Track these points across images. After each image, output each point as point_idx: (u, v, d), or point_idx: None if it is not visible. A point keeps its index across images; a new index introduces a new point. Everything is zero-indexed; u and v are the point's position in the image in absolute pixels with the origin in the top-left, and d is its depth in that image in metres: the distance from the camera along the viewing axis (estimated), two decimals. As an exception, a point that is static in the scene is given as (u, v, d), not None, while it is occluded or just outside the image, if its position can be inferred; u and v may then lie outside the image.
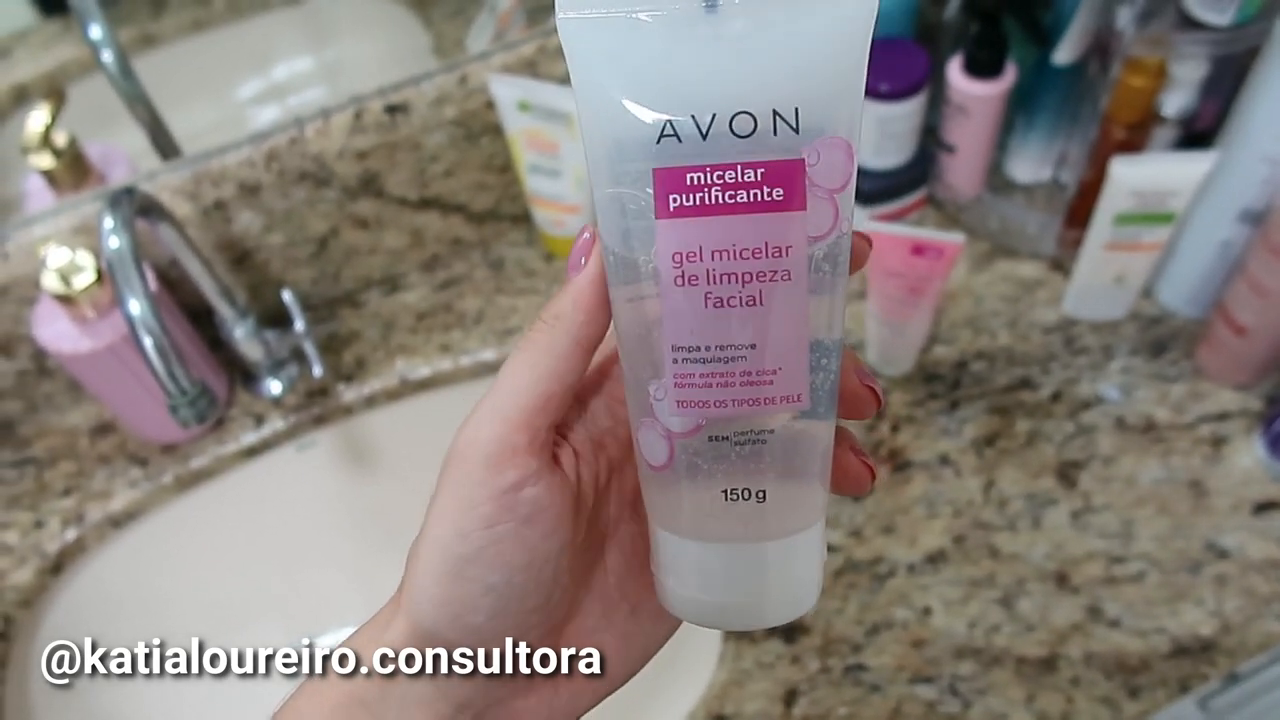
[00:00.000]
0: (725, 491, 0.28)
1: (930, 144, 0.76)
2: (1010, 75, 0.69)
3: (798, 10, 0.25)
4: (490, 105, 0.73)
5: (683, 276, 0.26)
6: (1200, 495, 0.64)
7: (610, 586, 0.31)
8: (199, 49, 0.80)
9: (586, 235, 0.27)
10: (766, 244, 0.25)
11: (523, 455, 0.26)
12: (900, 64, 0.69)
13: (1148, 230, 0.64)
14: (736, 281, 0.26)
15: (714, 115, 0.25)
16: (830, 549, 0.64)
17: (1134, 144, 0.66)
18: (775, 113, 0.25)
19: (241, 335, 0.71)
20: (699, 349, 0.26)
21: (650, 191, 0.25)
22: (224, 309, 0.69)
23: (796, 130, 0.25)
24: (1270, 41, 0.56)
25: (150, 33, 0.78)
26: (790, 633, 0.62)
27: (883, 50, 0.70)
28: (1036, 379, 0.70)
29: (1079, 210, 0.70)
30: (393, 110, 0.71)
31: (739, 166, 0.25)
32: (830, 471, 0.28)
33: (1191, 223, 0.65)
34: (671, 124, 0.25)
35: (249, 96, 0.87)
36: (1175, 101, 0.65)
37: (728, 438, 0.27)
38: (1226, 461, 0.65)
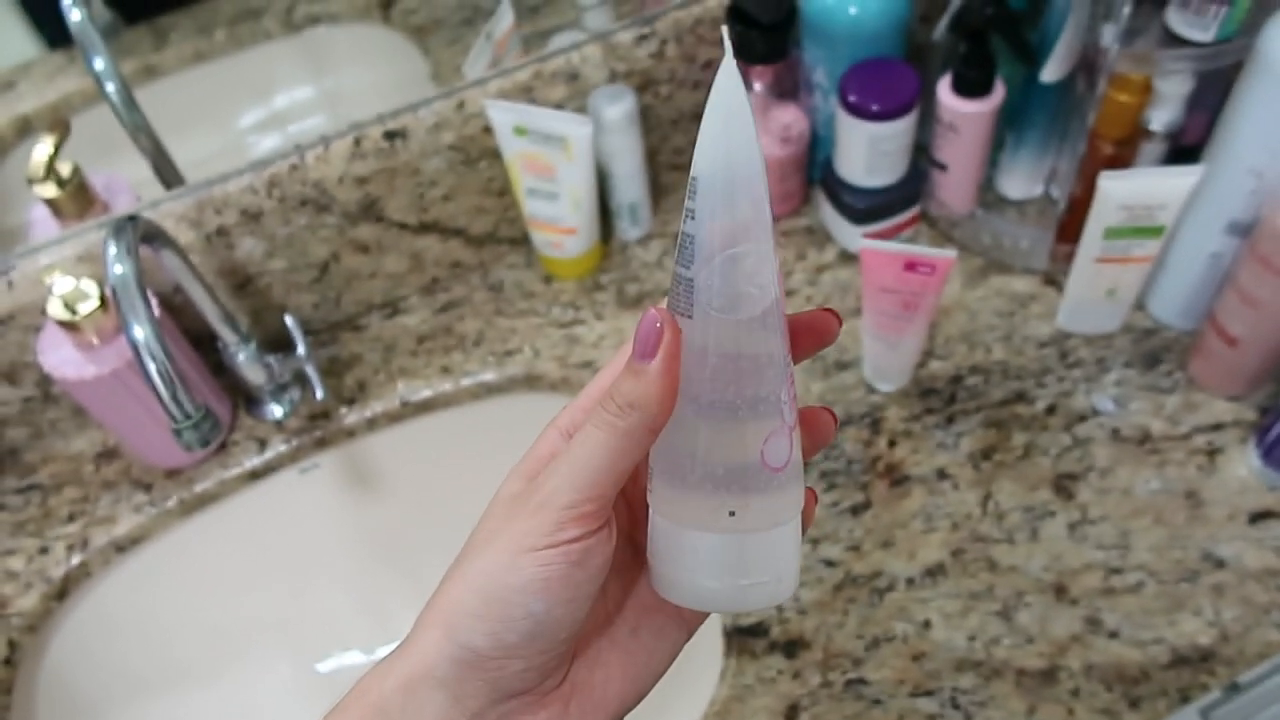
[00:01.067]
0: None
1: (922, 162, 0.77)
2: (999, 93, 0.70)
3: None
4: (488, 130, 0.74)
5: None
6: (1196, 505, 0.64)
7: (610, 609, 0.33)
8: (200, 79, 0.82)
9: (656, 322, 0.28)
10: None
11: (589, 519, 0.29)
12: (891, 84, 0.70)
13: (1138, 243, 0.65)
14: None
15: None
16: (829, 563, 0.65)
17: (1122, 159, 0.67)
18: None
19: (244, 360, 0.72)
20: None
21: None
22: (227, 334, 0.70)
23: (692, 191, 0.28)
24: (1252, 56, 0.57)
25: (152, 64, 0.79)
26: (791, 647, 0.62)
27: (874, 71, 0.71)
28: (1032, 392, 0.71)
29: (1070, 225, 0.71)
30: (392, 136, 0.72)
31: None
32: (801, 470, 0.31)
33: (1181, 236, 0.66)
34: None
35: (250, 125, 0.89)
36: (1161, 116, 0.66)
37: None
38: (1222, 472, 0.66)
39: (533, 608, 0.29)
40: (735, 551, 0.31)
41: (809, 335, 0.31)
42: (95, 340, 0.65)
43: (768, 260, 0.28)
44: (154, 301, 0.68)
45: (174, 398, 0.55)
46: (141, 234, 0.59)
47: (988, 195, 0.80)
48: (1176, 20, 0.60)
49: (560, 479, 0.29)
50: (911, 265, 0.62)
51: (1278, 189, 0.58)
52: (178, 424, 0.56)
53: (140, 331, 0.55)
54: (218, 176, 0.70)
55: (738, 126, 0.27)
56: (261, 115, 0.89)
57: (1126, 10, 0.59)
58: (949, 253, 0.61)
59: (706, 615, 0.34)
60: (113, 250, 0.56)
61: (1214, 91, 0.64)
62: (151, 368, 0.55)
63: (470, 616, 0.29)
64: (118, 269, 0.56)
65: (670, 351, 0.28)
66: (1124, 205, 0.62)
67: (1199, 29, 0.59)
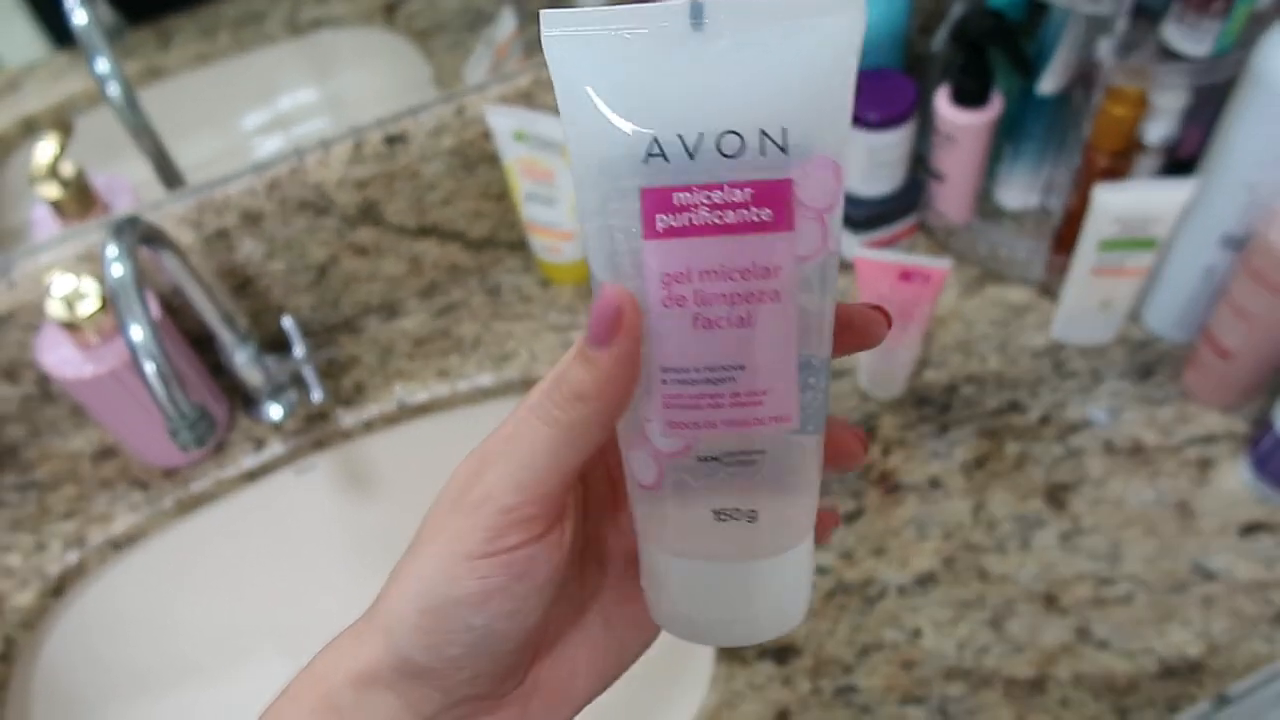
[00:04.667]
0: (716, 511, 0.28)
1: (920, 172, 0.77)
2: (997, 105, 0.70)
3: (785, 30, 0.24)
4: (487, 135, 0.75)
5: (671, 297, 0.25)
6: (1187, 517, 0.65)
7: (585, 600, 0.31)
8: (205, 81, 0.82)
9: (613, 305, 0.25)
10: (754, 264, 0.25)
11: (532, 523, 0.26)
12: (888, 93, 0.71)
13: (1131, 256, 0.65)
14: (725, 302, 0.25)
15: (701, 134, 0.24)
16: (821, 570, 0.65)
17: (1117, 171, 0.68)
18: (763, 132, 0.24)
19: (242, 361, 0.72)
20: (688, 370, 0.26)
21: (638, 212, 0.25)
22: (225, 335, 0.70)
23: (784, 150, 0.24)
24: (1247, 71, 0.58)
25: (157, 65, 0.80)
26: (781, 654, 0.62)
27: (871, 80, 0.71)
28: (1025, 402, 0.71)
29: (1065, 236, 0.72)
30: (391, 140, 0.72)
31: (726, 186, 0.25)
32: (818, 487, 0.29)
33: (1175, 249, 0.67)
34: (658, 143, 0.25)
35: (253, 128, 0.89)
36: (1157, 130, 0.67)
37: (717, 458, 0.27)
38: (1213, 483, 0.66)
39: (472, 621, 0.26)
40: (738, 579, 0.28)
41: (849, 334, 0.27)
42: (94, 340, 0.65)
43: None
44: (153, 302, 0.68)
45: (170, 398, 0.56)
46: (141, 235, 0.60)
47: (985, 205, 0.80)
48: (1173, 34, 0.60)
49: (498, 476, 0.26)
50: (906, 275, 0.63)
51: (1271, 203, 0.59)
52: (173, 423, 0.57)
53: (138, 332, 0.55)
54: (219, 178, 0.71)
55: None
56: (264, 118, 0.89)
57: (1122, 24, 0.59)
58: (943, 263, 0.61)
59: None
60: (112, 251, 0.56)
61: (1210, 106, 0.64)
62: (148, 368, 0.55)
63: (408, 628, 0.27)
64: (116, 270, 0.56)
65: (630, 335, 0.25)
66: (1118, 218, 0.63)
67: (1194, 43, 0.59)
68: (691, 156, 0.25)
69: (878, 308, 0.28)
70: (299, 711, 0.28)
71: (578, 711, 0.31)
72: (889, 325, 0.28)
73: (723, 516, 0.28)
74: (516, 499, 0.26)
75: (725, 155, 0.25)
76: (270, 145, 0.87)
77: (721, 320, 0.26)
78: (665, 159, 0.25)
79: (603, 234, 0.26)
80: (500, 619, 0.26)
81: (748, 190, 0.25)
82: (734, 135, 0.25)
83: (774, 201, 0.25)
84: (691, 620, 0.29)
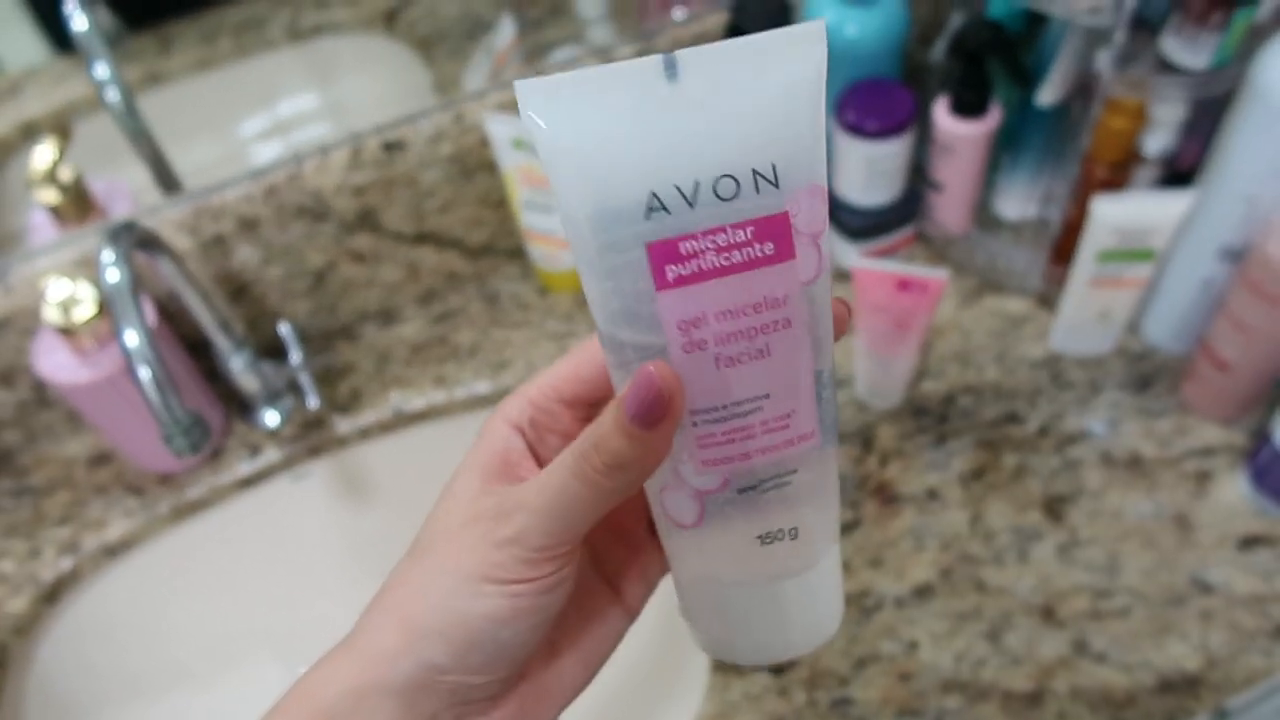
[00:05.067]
0: (760, 536, 0.29)
1: (918, 182, 0.77)
2: (995, 115, 0.70)
3: (755, 70, 0.26)
4: (485, 143, 0.75)
5: (690, 343, 0.26)
6: (1186, 530, 0.64)
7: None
8: (205, 87, 0.82)
9: (662, 394, 0.25)
10: (765, 297, 0.26)
11: (564, 557, 0.28)
12: (887, 104, 0.71)
13: (1130, 267, 0.65)
14: (744, 338, 0.26)
15: (698, 182, 0.25)
16: (818, 582, 0.65)
17: (1116, 183, 0.68)
18: (755, 172, 0.25)
19: (239, 367, 0.72)
20: (716, 409, 0.27)
21: (645, 266, 0.26)
22: (221, 341, 0.70)
23: (777, 185, 0.26)
24: (1246, 83, 0.58)
25: (158, 70, 0.80)
26: (777, 665, 0.62)
27: (870, 91, 0.71)
28: (1023, 413, 0.71)
29: (1064, 247, 0.71)
30: (390, 147, 0.72)
31: (730, 228, 0.26)
32: (839, 491, 0.30)
33: (1173, 260, 0.66)
34: (657, 196, 0.25)
35: (252, 134, 0.89)
36: (1156, 142, 0.67)
37: (754, 486, 0.28)
38: (1212, 496, 0.66)
39: (500, 635, 0.28)
40: (785, 596, 0.30)
41: None
42: (90, 345, 0.65)
43: None
44: (150, 308, 0.68)
45: (165, 404, 0.56)
46: (137, 240, 0.59)
47: (983, 216, 0.80)
48: (1171, 47, 0.60)
49: (533, 519, 0.27)
50: (904, 284, 0.62)
51: (1269, 216, 0.59)
52: (168, 429, 0.56)
53: (133, 338, 0.55)
54: (216, 184, 0.71)
55: None
56: (265, 124, 0.89)
57: (1121, 36, 0.59)
58: (941, 273, 0.61)
59: (645, 599, 0.33)
60: (108, 256, 0.56)
61: (1209, 118, 0.64)
62: (143, 374, 0.55)
63: (433, 636, 0.28)
64: (112, 275, 0.56)
65: (676, 418, 0.26)
66: (1117, 229, 0.63)
67: (1193, 56, 0.59)
68: (691, 205, 0.25)
69: (839, 300, 0.28)
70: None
71: (568, 704, 0.32)
72: (850, 313, 0.29)
73: (767, 540, 0.29)
74: (550, 541, 0.28)
75: (723, 199, 0.25)
76: (269, 151, 0.87)
77: (742, 356, 0.27)
78: (666, 211, 0.25)
79: (607, 293, 0.26)
80: (526, 630, 0.28)
81: (749, 229, 0.26)
82: (729, 179, 0.25)
83: (775, 235, 0.26)
84: (739, 644, 0.31)
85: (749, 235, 0.26)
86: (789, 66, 0.26)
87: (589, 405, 0.32)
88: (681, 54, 0.25)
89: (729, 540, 0.29)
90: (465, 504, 0.29)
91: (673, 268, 0.26)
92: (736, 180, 0.25)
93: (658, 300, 0.26)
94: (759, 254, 0.26)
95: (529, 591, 0.28)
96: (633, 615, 0.33)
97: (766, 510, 0.28)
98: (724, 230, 0.26)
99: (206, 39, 0.86)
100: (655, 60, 0.25)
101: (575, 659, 0.32)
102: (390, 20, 0.90)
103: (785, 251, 0.26)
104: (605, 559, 0.33)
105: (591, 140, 0.25)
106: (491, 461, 0.30)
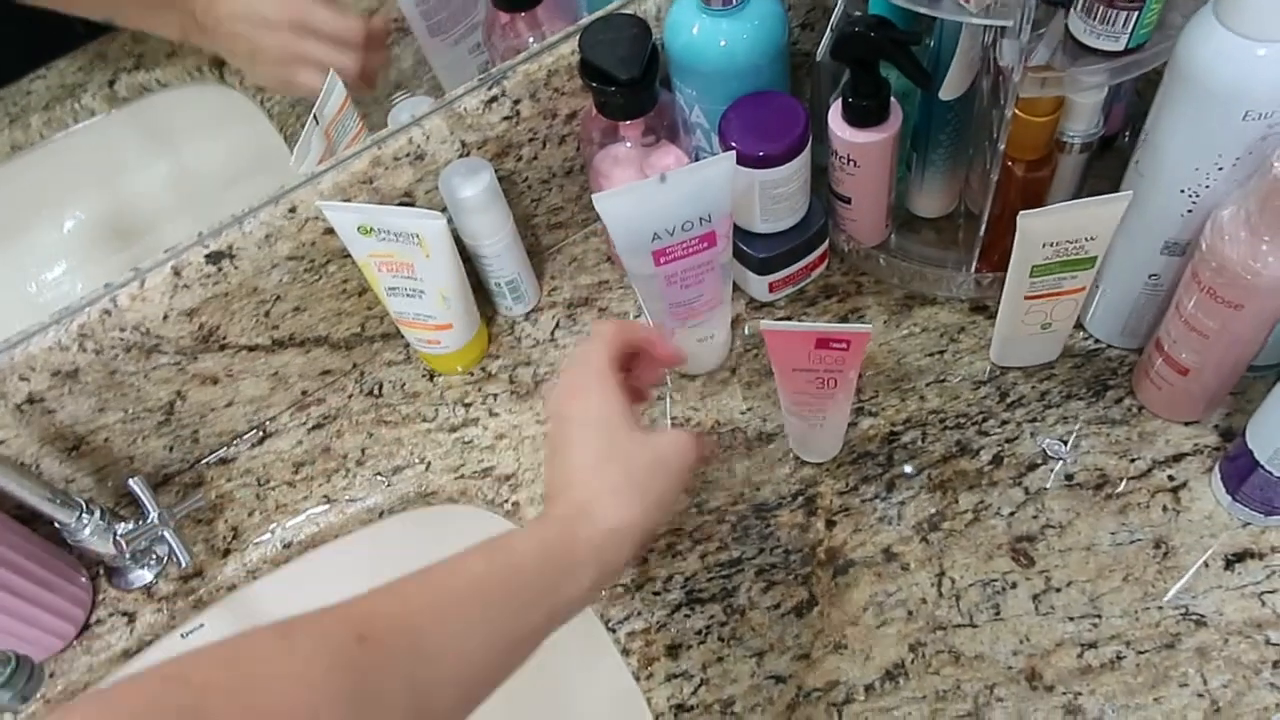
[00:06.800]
0: (699, 340, 0.67)
1: (823, 191, 0.69)
2: (896, 118, 0.62)
3: (700, 176, 0.56)
4: (331, 230, 0.65)
5: (667, 278, 0.61)
6: (1166, 555, 0.58)
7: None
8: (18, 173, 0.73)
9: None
10: (703, 263, 0.61)
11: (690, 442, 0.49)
12: (775, 123, 0.62)
13: (1069, 277, 0.58)
14: (692, 275, 0.61)
15: (674, 226, 0.58)
16: (777, 680, 0.58)
17: (1041, 179, 0.60)
18: (700, 218, 0.58)
19: (89, 535, 0.62)
20: (681, 303, 0.63)
21: (650, 259, 0.59)
22: (59, 514, 0.60)
23: (710, 220, 0.58)
24: (1172, 65, 0.50)
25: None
26: (747, 789, 0.55)
27: (755, 108, 0.63)
28: (974, 443, 0.64)
29: (993, 247, 0.64)
30: (217, 258, 0.62)
31: (695, 239, 0.59)
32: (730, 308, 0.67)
33: (1115, 257, 0.59)
34: (657, 234, 0.58)
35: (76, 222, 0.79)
36: (1078, 127, 0.59)
37: (697, 325, 0.66)
38: (1189, 510, 0.60)
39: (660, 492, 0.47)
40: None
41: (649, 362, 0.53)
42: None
43: None
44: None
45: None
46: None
47: (900, 214, 0.72)
48: (1083, 31, 0.52)
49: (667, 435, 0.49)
50: (823, 342, 0.55)
51: (1212, 211, 0.52)
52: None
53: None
54: (17, 336, 0.60)
55: None
56: (95, 208, 0.79)
57: (1026, 35, 0.51)
58: (864, 327, 0.53)
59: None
60: None
61: (1130, 82, 0.57)
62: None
63: (614, 506, 0.45)
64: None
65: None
66: (1048, 243, 0.55)
67: (1108, 39, 0.52)
68: (672, 234, 0.58)
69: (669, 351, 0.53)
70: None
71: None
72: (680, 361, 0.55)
73: (701, 340, 0.67)
74: (683, 452, 0.49)
75: (685, 231, 0.58)
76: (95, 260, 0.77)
77: (691, 282, 0.62)
78: (661, 239, 0.58)
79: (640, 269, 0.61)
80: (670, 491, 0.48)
81: (701, 240, 0.59)
82: (689, 221, 0.58)
83: (710, 239, 0.59)
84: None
85: (698, 242, 0.59)
86: (712, 170, 0.56)
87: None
88: (668, 174, 0.55)
89: (683, 342, 0.65)
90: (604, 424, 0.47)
91: (663, 257, 0.59)
92: (692, 221, 0.58)
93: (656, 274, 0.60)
94: (704, 247, 0.60)
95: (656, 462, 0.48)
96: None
97: (699, 330, 0.65)
98: (692, 241, 0.59)
99: (14, 119, 0.76)
100: (656, 177, 0.55)
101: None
102: (220, 67, 0.79)
103: (712, 244, 0.60)
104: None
105: (629, 211, 0.57)
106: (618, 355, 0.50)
